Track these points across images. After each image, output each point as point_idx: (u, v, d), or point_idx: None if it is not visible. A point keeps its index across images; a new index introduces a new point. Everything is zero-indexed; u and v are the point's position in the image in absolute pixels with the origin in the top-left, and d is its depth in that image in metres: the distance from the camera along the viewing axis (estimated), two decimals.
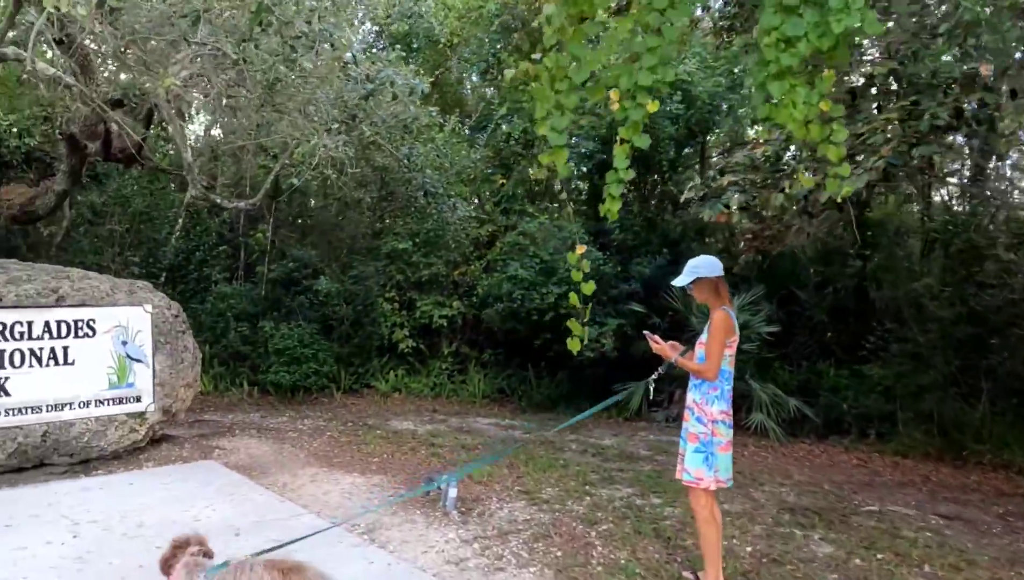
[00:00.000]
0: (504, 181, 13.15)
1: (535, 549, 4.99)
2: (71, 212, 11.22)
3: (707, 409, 4.30)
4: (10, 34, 6.85)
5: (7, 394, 6.32)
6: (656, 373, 4.76)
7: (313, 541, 4.94)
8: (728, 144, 17.49)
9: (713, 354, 4.28)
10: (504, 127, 12.15)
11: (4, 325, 6.33)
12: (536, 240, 10.57)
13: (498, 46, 13.05)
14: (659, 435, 9.68)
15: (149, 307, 7.23)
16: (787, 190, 6.72)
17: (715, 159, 17.37)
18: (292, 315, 12.15)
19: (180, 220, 13.17)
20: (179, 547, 3.04)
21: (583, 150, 11.52)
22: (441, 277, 12.65)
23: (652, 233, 12.10)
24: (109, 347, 6.91)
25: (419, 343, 12.48)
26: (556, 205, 12.95)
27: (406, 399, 12.06)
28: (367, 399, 12.00)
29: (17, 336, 6.39)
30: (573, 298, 3.74)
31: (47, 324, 6.56)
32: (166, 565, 3.01)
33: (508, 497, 6.25)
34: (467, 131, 11.96)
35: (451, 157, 11.06)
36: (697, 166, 13.63)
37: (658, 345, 4.46)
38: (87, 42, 6.23)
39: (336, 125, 7.23)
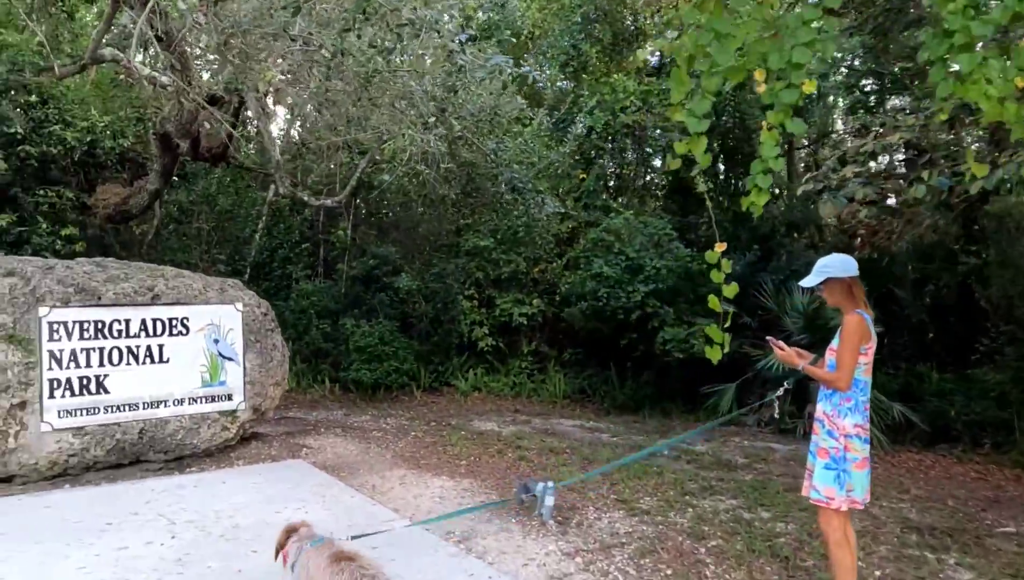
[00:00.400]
0: (584, 176, 12.82)
1: (643, 566, 4.68)
2: (161, 211, 11.47)
3: (839, 422, 3.91)
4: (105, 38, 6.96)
5: (106, 391, 6.39)
6: (782, 388, 4.39)
7: (410, 548, 4.77)
8: (815, 135, 16.71)
9: (845, 362, 3.88)
10: (586, 120, 11.80)
11: (103, 323, 6.41)
12: (621, 236, 10.20)
13: (579, 37, 12.72)
14: (753, 441, 9.20)
15: (240, 305, 7.23)
16: (927, 180, 6.17)
17: (803, 152, 16.59)
18: (372, 313, 12.14)
19: (263, 218, 13.34)
20: (290, 531, 3.43)
21: (663, 139, 11.08)
22: (520, 274, 12.43)
23: (741, 228, 11.56)
24: (202, 345, 6.93)
25: (498, 341, 12.29)
26: (636, 200, 12.54)
27: (486, 399, 11.89)
28: (447, 398, 11.89)
29: (115, 334, 6.45)
30: (713, 301, 3.40)
31: (143, 322, 6.62)
32: (280, 548, 3.42)
33: (605, 506, 5.95)
34: (551, 125, 11.62)
35: (538, 152, 10.79)
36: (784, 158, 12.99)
37: (783, 352, 4.10)
38: (186, 38, 6.23)
39: (432, 119, 7.06)
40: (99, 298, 6.40)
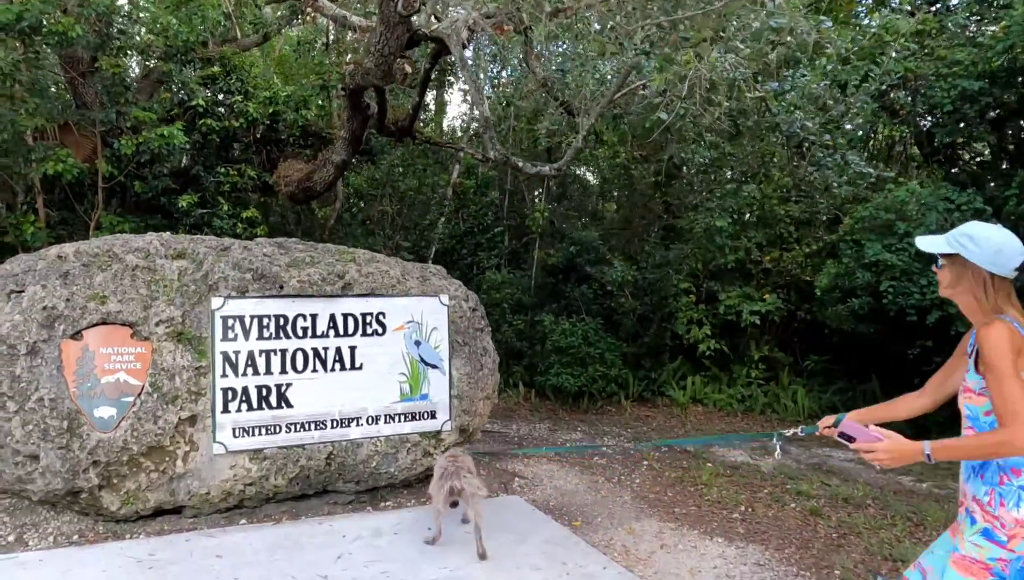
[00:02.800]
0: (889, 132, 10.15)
1: None
2: (343, 192, 10.37)
3: (1007, 514, 2.21)
4: None
5: (288, 405, 5.04)
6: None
7: None
8: None
9: (1013, 399, 2.11)
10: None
11: (285, 319, 5.06)
12: (907, 213, 7.75)
13: None
14: None
15: (445, 298, 5.68)
16: None
17: None
18: (572, 308, 10.41)
19: (447, 202, 12.02)
20: None
21: (963, 90, 8.42)
22: (750, 264, 10.21)
23: None
24: (401, 348, 5.44)
25: (721, 344, 10.14)
26: (917, 166, 9.85)
27: (710, 414, 9.81)
28: (661, 411, 9.93)
29: (300, 332, 5.09)
30: None
31: (332, 318, 5.22)
32: None
33: None
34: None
35: (830, 94, 8.36)
36: None
37: (879, 451, 2.33)
38: None
39: (709, 36, 5.14)
40: (281, 287, 5.06)
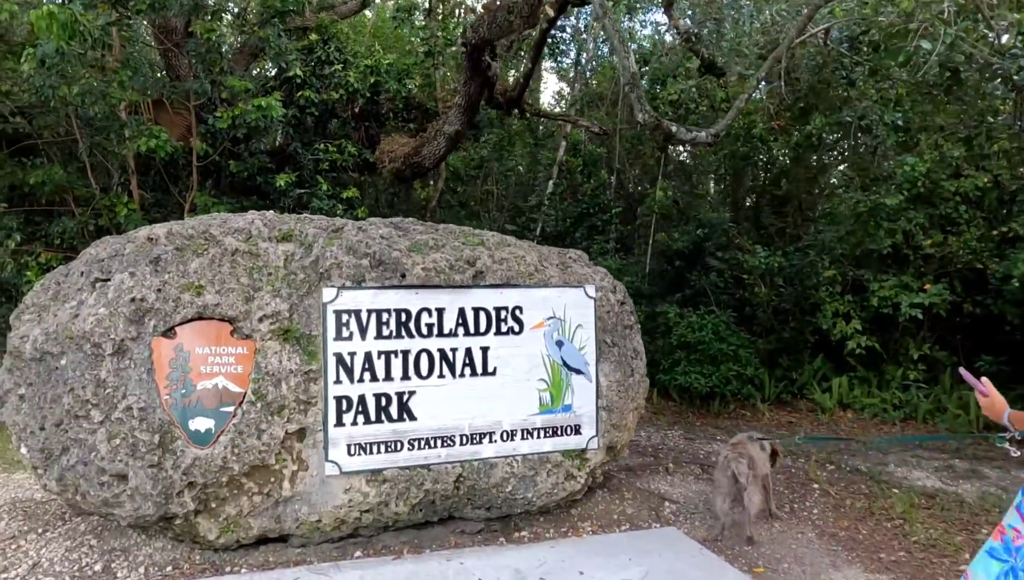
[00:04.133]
0: None
1: None
2: (445, 172, 9.54)
3: None
4: None
5: (412, 417, 4.20)
6: None
7: None
8: None
9: None
10: None
11: (408, 314, 4.20)
12: None
13: None
14: None
15: (592, 289, 4.72)
16: None
17: None
18: (698, 298, 9.29)
19: (554, 181, 11.05)
20: None
21: None
22: (907, 249, 8.82)
23: None
24: (540, 349, 4.52)
25: (873, 341, 8.81)
26: None
27: (863, 421, 8.53)
28: (805, 416, 8.72)
29: (424, 330, 4.23)
30: None
31: (461, 313, 4.33)
32: None
33: None
34: None
35: None
36: None
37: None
38: None
39: None
40: (403, 275, 4.20)
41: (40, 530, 4.44)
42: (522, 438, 4.46)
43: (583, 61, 12.46)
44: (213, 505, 3.90)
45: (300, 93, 7.90)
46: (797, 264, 8.55)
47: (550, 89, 16.35)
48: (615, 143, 12.21)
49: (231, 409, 3.88)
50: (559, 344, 4.57)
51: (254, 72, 8.35)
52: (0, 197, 7.69)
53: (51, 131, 7.73)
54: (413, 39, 8.90)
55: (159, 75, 7.61)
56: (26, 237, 7.58)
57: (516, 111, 9.24)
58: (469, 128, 7.68)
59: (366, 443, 4.09)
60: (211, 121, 7.17)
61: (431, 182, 10.22)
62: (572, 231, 9.81)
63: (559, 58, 11.27)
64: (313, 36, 8.27)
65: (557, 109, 13.63)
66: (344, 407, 4.05)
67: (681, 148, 11.22)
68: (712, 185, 12.54)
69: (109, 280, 3.90)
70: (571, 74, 13.12)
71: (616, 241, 9.89)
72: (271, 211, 4.39)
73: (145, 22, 7.75)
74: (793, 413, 8.84)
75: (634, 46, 10.52)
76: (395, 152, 7.76)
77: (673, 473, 6.07)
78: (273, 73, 8.43)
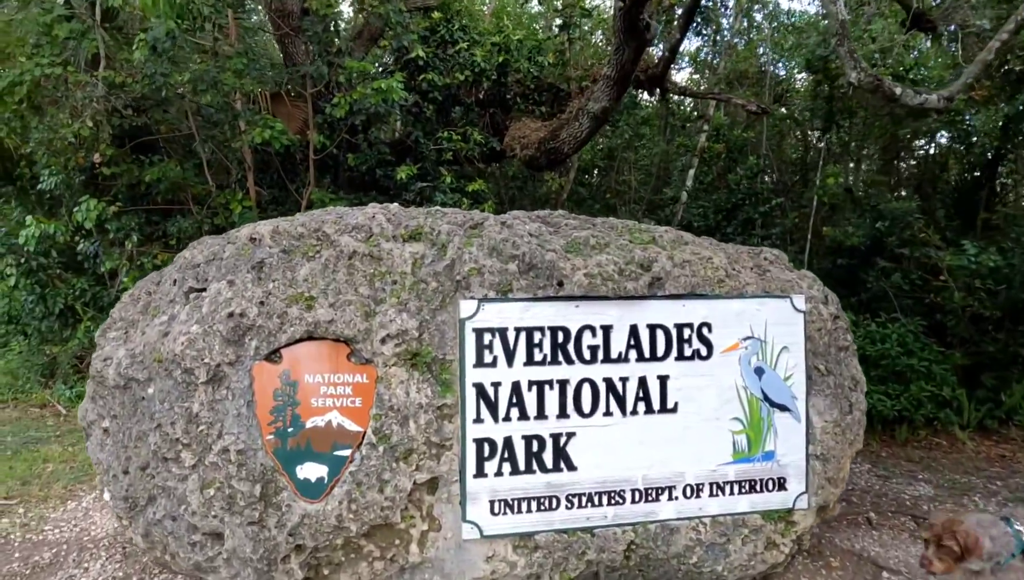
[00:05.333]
0: None
1: None
2: (578, 160, 8.56)
3: None
4: None
5: (571, 466, 3.25)
6: None
7: None
8: None
9: None
10: None
11: (567, 333, 3.26)
12: None
13: None
14: None
15: (800, 300, 3.60)
16: None
17: None
18: (877, 303, 7.88)
19: (692, 169, 9.86)
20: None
21: None
22: None
23: None
24: (734, 379, 3.46)
25: None
26: None
27: None
28: (1019, 447, 7.14)
29: (587, 354, 3.27)
30: None
31: (634, 332, 3.34)
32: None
33: None
34: None
35: None
36: None
37: None
38: None
39: None
40: (560, 283, 3.26)
41: (136, 578, 3.83)
42: (710, 494, 3.42)
43: (726, 33, 11.16)
44: (325, 572, 3.11)
45: (422, 76, 7.14)
46: (1017, 264, 6.99)
47: (682, 75, 15.05)
48: (763, 126, 10.85)
49: (348, 452, 3.08)
50: (758, 372, 3.49)
51: (374, 63, 7.68)
52: (121, 196, 7.39)
53: (169, 126, 7.35)
54: (543, 10, 7.97)
55: (277, 61, 7.03)
56: (144, 237, 7.23)
57: (658, 91, 8.14)
58: (616, 106, 6.67)
59: (513, 499, 3.18)
60: (328, 110, 6.52)
61: (561, 173, 9.29)
62: (723, 225, 8.58)
63: (705, 28, 10.03)
64: (436, 14, 7.50)
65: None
66: (486, 453, 3.16)
67: (842, 126, 9.70)
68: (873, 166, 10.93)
69: (204, 290, 3.18)
70: (709, 51, 11.82)
71: (777, 237, 8.58)
72: (395, 203, 3.56)
73: (261, 7, 7.23)
74: (1002, 443, 7.28)
75: None
76: (528, 137, 6.88)
77: (878, 527, 4.84)
78: (393, 59, 7.73)
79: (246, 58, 6.74)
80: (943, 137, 11.13)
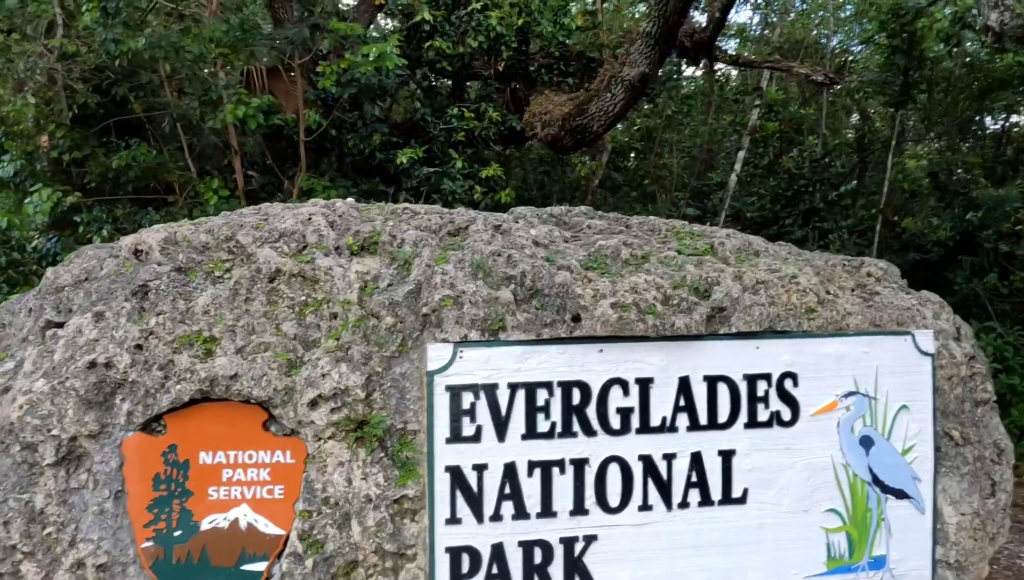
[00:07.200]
0: None
1: None
2: (611, 141, 7.45)
3: None
4: None
5: None
6: None
7: None
8: None
9: None
10: None
11: (585, 391, 2.22)
12: None
13: None
14: None
15: (927, 338, 2.50)
16: None
17: None
18: (966, 308, 6.66)
19: (742, 151, 8.67)
20: None
21: None
22: None
23: None
24: (830, 453, 2.39)
25: None
26: None
27: None
28: None
29: (615, 422, 2.24)
30: None
31: (684, 388, 2.29)
32: None
33: None
34: None
35: None
36: None
37: None
38: None
39: None
40: (575, 318, 2.22)
41: None
42: None
43: None
44: None
45: (428, 44, 6.10)
46: None
47: (729, 46, 13.77)
48: (823, 103, 9.60)
49: (262, 567, 2.10)
50: (865, 443, 2.42)
51: (371, 29, 6.67)
52: (94, 185, 6.53)
53: (142, 104, 6.45)
54: None
55: (247, 30, 6.06)
56: (116, 233, 6.34)
57: (705, 61, 6.98)
58: (657, 74, 5.53)
59: None
60: (317, 81, 5.54)
61: (592, 156, 8.19)
62: (781, 217, 7.39)
63: None
64: None
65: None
66: (466, 567, 2.16)
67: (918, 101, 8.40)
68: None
69: (64, 325, 2.22)
70: (761, 21, 10.56)
71: (847, 230, 7.36)
72: (345, 201, 2.54)
73: None
74: None
75: None
76: (550, 114, 5.81)
77: None
78: (395, 26, 6.72)
79: (227, 24, 5.78)
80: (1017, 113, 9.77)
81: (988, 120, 10.66)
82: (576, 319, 2.23)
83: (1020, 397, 6.02)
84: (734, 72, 10.83)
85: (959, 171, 6.94)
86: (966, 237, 6.69)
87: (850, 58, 11.43)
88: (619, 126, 9.57)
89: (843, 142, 10.19)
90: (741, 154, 8.78)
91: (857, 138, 10.44)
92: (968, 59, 8.20)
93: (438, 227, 2.41)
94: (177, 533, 2.09)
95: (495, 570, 2.18)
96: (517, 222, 2.65)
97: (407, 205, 2.56)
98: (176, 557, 2.08)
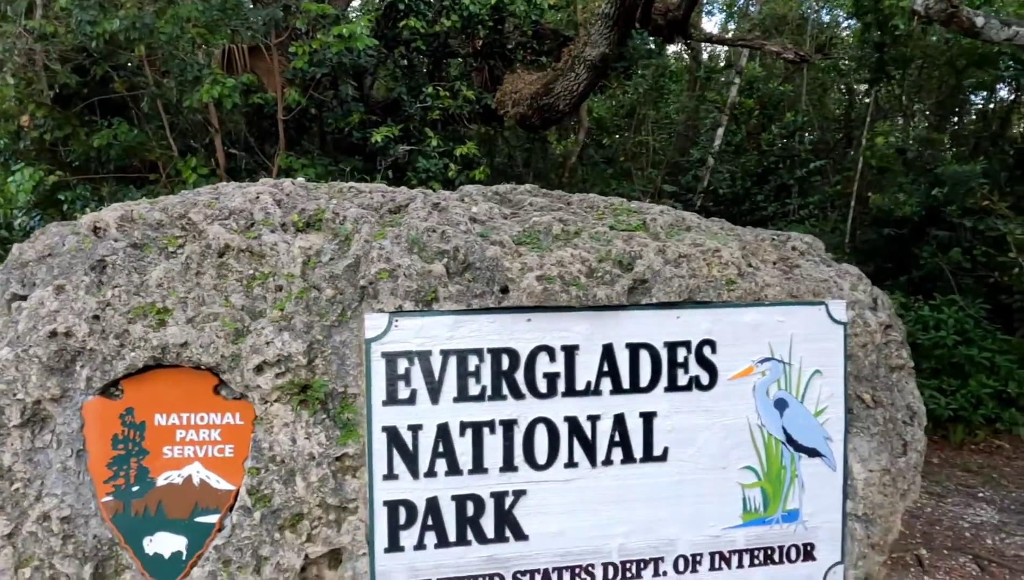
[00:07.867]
0: None
1: None
2: (588, 119, 7.57)
3: None
4: None
5: (519, 535, 2.42)
6: None
7: None
8: None
9: None
10: None
11: (515, 357, 2.40)
12: None
13: None
14: None
15: (840, 307, 2.68)
16: None
17: None
18: (930, 282, 6.84)
19: (721, 128, 8.80)
20: None
21: None
22: None
23: None
24: (746, 415, 2.58)
25: None
26: None
27: None
28: None
29: (543, 386, 2.41)
30: None
31: (608, 354, 2.46)
32: None
33: None
34: None
35: None
36: None
37: None
38: None
39: None
40: (504, 289, 2.39)
41: None
42: (712, 567, 2.57)
43: None
44: None
45: (403, 23, 6.20)
46: None
47: (713, 22, 13.82)
48: (802, 79, 9.69)
49: (214, 519, 2.29)
50: (780, 405, 2.60)
51: (344, 9, 6.74)
52: (78, 164, 6.66)
53: (123, 83, 6.56)
54: None
55: (223, 9, 6.15)
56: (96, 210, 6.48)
57: (679, 38, 7.08)
58: (618, 54, 5.64)
59: None
60: (290, 61, 5.66)
61: (575, 131, 8.30)
62: (753, 193, 7.54)
63: None
64: None
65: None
66: (402, 519, 2.34)
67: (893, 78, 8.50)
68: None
69: (27, 298, 2.38)
70: None
71: (816, 205, 7.50)
72: (294, 181, 2.69)
73: None
74: None
75: None
76: (519, 93, 5.94)
77: (931, 569, 3.95)
78: (372, 6, 6.80)
79: (204, 4, 5.88)
80: (1003, 89, 9.86)
81: (974, 97, 10.77)
82: (504, 290, 2.39)
83: (978, 368, 6.22)
84: (719, 49, 10.91)
85: (918, 148, 7.06)
86: (932, 213, 6.85)
87: (843, 33, 11.50)
88: (603, 103, 9.68)
89: (827, 118, 10.30)
90: (720, 131, 8.90)
91: (844, 114, 10.55)
92: (948, 38, 8.28)
93: (380, 205, 2.57)
94: (135, 488, 2.27)
95: (430, 522, 2.36)
96: (463, 200, 2.81)
97: (353, 184, 2.71)
98: (134, 510, 2.26)
